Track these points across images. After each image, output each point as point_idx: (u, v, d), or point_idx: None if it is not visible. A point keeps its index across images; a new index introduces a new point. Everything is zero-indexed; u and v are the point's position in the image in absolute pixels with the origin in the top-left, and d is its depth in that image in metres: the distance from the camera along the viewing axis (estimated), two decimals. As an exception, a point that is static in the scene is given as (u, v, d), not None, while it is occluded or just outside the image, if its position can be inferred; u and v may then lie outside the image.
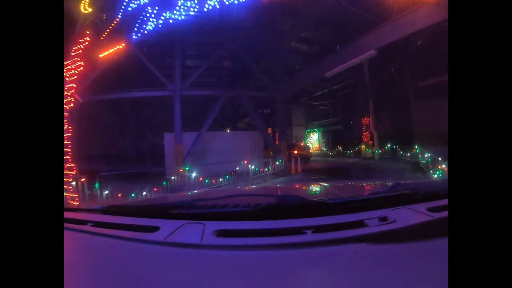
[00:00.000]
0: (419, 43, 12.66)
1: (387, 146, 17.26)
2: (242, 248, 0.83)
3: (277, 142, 18.18)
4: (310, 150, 20.54)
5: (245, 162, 11.51)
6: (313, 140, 31.88)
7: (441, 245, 0.68)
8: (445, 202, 0.91)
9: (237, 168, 11.62)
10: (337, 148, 24.01)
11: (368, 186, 2.11)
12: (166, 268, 0.74)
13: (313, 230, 0.88)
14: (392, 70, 17.23)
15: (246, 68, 15.26)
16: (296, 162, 13.33)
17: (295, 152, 17.44)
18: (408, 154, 15.01)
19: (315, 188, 2.22)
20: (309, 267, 0.71)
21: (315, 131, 31.61)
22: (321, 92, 26.57)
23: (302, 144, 23.70)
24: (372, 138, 18.48)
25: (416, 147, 14.24)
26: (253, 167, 11.38)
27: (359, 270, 0.68)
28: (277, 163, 13.09)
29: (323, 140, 30.95)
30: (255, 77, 15.92)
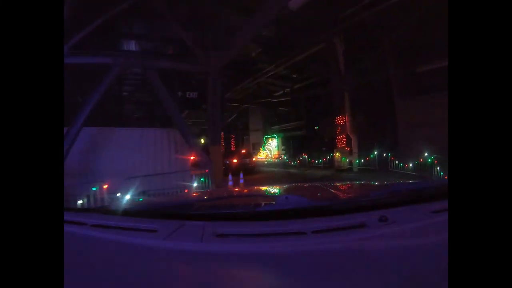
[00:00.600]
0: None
1: (373, 154, 12.14)
2: (241, 250, 0.83)
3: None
4: (254, 159, 15.33)
5: (105, 186, 5.33)
6: (272, 147, 26.61)
7: (441, 246, 0.68)
8: (445, 202, 0.84)
9: (81, 201, 5.18)
10: (302, 157, 18.08)
11: (368, 187, 2.12)
12: (166, 269, 0.74)
13: (313, 231, 0.88)
14: (376, 56, 12.68)
15: (160, 26, 9.49)
16: (237, 178, 7.71)
17: (234, 161, 12.88)
18: (410, 165, 9.94)
19: (315, 189, 2.14)
20: (309, 269, 0.71)
21: (274, 136, 26.36)
22: (281, 92, 21.71)
23: (244, 150, 18.18)
24: (349, 143, 13.41)
25: (427, 154, 9.22)
26: (127, 196, 5.26)
27: (360, 271, 0.69)
28: (196, 184, 7.11)
29: (283, 147, 25.79)
30: (173, 41, 10.00)
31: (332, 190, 1.88)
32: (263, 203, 1.15)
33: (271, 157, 25.93)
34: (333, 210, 1.07)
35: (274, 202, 1.21)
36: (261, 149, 27.10)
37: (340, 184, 2.44)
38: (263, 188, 3.24)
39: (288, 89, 21.37)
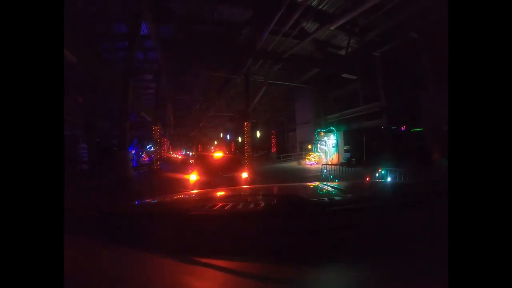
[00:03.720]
0: None
1: None
2: (242, 248, 0.85)
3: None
4: (245, 172, 7.10)
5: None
6: (328, 147, 17.55)
7: (441, 245, 0.70)
8: (445, 202, 0.83)
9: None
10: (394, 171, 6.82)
11: (368, 186, 2.21)
12: (165, 270, 0.77)
13: (313, 230, 0.92)
14: None
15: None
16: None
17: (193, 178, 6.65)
18: None
19: (316, 188, 2.21)
20: (309, 268, 0.73)
21: (332, 130, 17.28)
22: (343, 51, 12.86)
23: (220, 153, 8.31)
24: None
25: None
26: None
27: (359, 271, 0.71)
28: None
29: (346, 147, 16.63)
30: None
31: (332, 190, 1.89)
32: (263, 202, 1.21)
33: (326, 163, 17.20)
34: (334, 209, 1.09)
35: (274, 201, 1.26)
36: (311, 150, 18.29)
37: (339, 183, 2.74)
38: (266, 186, 3.21)
39: (351, 48, 12.52)
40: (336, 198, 1.57)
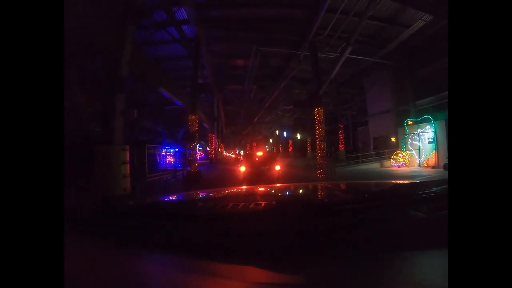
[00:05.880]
0: None
1: None
2: (241, 249, 0.84)
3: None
4: (277, 165, 10.68)
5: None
6: (423, 144, 13.23)
7: (441, 245, 0.70)
8: (445, 202, 0.84)
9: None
10: None
11: (368, 186, 2.17)
12: (166, 270, 0.76)
13: (313, 231, 0.91)
14: None
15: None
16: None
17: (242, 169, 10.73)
18: None
19: (315, 188, 2.19)
20: (309, 268, 0.73)
21: (428, 119, 12.96)
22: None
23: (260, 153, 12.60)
24: None
25: None
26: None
27: (360, 271, 0.71)
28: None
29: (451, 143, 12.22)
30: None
31: (332, 190, 1.89)
32: (263, 203, 1.17)
33: (419, 164, 12.96)
34: (334, 209, 1.08)
35: (274, 202, 1.21)
36: (398, 148, 14.16)
37: (339, 183, 2.62)
38: (266, 186, 3.17)
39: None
40: (336, 198, 1.57)
